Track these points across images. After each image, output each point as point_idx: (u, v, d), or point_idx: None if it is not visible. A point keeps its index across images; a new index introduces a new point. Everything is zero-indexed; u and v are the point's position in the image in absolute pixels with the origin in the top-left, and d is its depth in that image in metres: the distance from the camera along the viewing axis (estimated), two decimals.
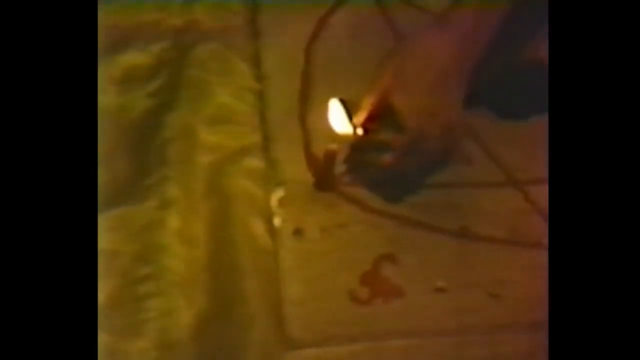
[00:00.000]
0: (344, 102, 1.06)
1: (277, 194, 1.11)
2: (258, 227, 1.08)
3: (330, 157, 1.07)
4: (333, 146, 1.05)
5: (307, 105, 1.18)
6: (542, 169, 1.05)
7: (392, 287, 1.05)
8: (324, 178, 1.10)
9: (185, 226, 1.07)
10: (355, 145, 1.05)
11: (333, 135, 1.07)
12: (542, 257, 0.92)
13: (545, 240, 1.03)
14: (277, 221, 1.09)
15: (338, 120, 1.07)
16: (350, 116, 1.05)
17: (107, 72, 1.16)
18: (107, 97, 1.14)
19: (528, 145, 1.12)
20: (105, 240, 1.03)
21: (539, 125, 1.10)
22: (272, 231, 1.08)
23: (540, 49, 1.09)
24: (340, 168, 1.09)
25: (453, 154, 1.10)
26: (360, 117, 1.04)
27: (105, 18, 1.02)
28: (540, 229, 1.06)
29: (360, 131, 1.04)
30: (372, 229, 1.09)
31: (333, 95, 1.14)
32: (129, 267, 1.04)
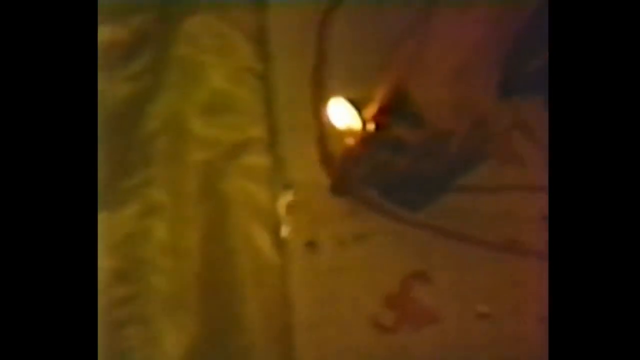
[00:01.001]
0: (350, 101, 1.06)
1: (285, 199, 1.12)
2: (262, 238, 1.09)
3: (350, 154, 1.07)
4: (353, 141, 1.06)
5: (322, 91, 1.17)
6: None
7: (424, 311, 1.06)
8: (341, 180, 1.10)
9: (174, 237, 1.08)
10: (366, 144, 1.05)
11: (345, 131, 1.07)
12: None
13: None
14: (285, 231, 1.10)
15: (341, 117, 1.06)
16: (359, 110, 1.05)
17: None
18: None
19: None
20: None
21: None
22: (279, 243, 1.09)
23: None
24: (360, 168, 1.10)
25: (486, 155, 1.09)
26: (370, 111, 1.03)
27: None
28: None
29: (371, 126, 1.03)
30: (399, 242, 1.09)
31: (351, 79, 1.15)
32: (107, 286, 1.04)
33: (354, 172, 1.10)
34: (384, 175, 1.09)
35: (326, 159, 1.13)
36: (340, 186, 1.11)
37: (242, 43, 1.21)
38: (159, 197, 1.10)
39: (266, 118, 1.16)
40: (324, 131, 1.14)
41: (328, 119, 1.08)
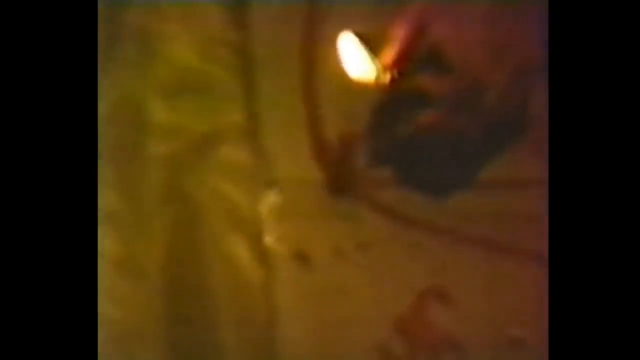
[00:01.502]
0: (362, 40, 1.04)
1: (269, 200, 1.09)
2: (241, 249, 1.07)
3: (350, 143, 1.05)
4: (353, 128, 1.05)
5: (314, 66, 1.12)
6: None
7: (443, 336, 1.05)
8: (339, 175, 1.07)
9: (130, 252, 1.06)
10: (383, 99, 1.04)
11: (353, 86, 1.04)
12: None
13: None
14: (269, 240, 1.08)
15: (353, 61, 1.04)
16: (373, 58, 1.04)
17: None
18: None
19: None
20: None
21: None
22: (261, 256, 1.07)
23: None
24: (363, 158, 1.07)
25: (529, 112, 1.06)
26: (388, 56, 1.02)
27: None
28: None
29: (388, 76, 1.01)
30: (411, 251, 1.07)
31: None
32: None
33: (354, 166, 1.07)
34: (404, 149, 1.05)
35: (319, 149, 1.10)
36: (338, 183, 1.08)
37: (214, 8, 1.14)
38: (111, 203, 1.07)
39: (244, 101, 1.12)
40: (317, 116, 1.10)
41: (327, 95, 1.06)
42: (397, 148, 1.05)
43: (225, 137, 1.11)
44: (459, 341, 1.05)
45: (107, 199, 1.07)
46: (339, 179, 1.08)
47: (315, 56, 1.13)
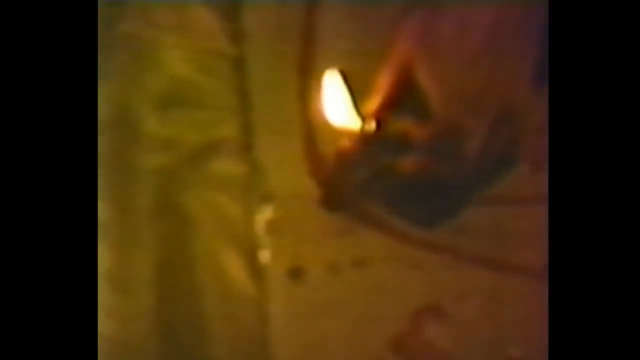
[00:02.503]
0: (345, 77, 1.04)
1: (264, 215, 1.09)
2: (234, 265, 1.07)
3: (346, 158, 1.04)
4: (350, 141, 1.03)
5: (310, 78, 1.13)
6: None
7: (440, 354, 1.05)
8: (334, 190, 1.07)
9: (122, 265, 1.06)
10: (366, 144, 1.04)
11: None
12: None
13: None
14: (264, 256, 1.08)
15: (337, 107, 1.04)
16: (356, 103, 1.03)
17: None
18: None
19: None
20: None
21: None
22: (256, 272, 1.08)
23: None
24: (358, 174, 1.06)
25: (512, 161, 1.05)
26: (372, 104, 1.00)
27: None
28: None
29: (372, 124, 1.01)
30: (408, 268, 1.07)
31: (348, 64, 1.08)
32: None
33: (350, 181, 1.06)
34: (388, 183, 1.05)
35: (315, 164, 1.09)
36: (334, 198, 1.07)
37: (210, 19, 1.16)
38: (102, 214, 1.06)
39: (240, 114, 1.12)
40: (312, 129, 1.11)
41: (320, 112, 1.05)
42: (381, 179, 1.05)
43: (219, 150, 1.11)
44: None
45: (100, 211, 1.05)
46: (335, 195, 1.08)
47: (313, 69, 1.13)
